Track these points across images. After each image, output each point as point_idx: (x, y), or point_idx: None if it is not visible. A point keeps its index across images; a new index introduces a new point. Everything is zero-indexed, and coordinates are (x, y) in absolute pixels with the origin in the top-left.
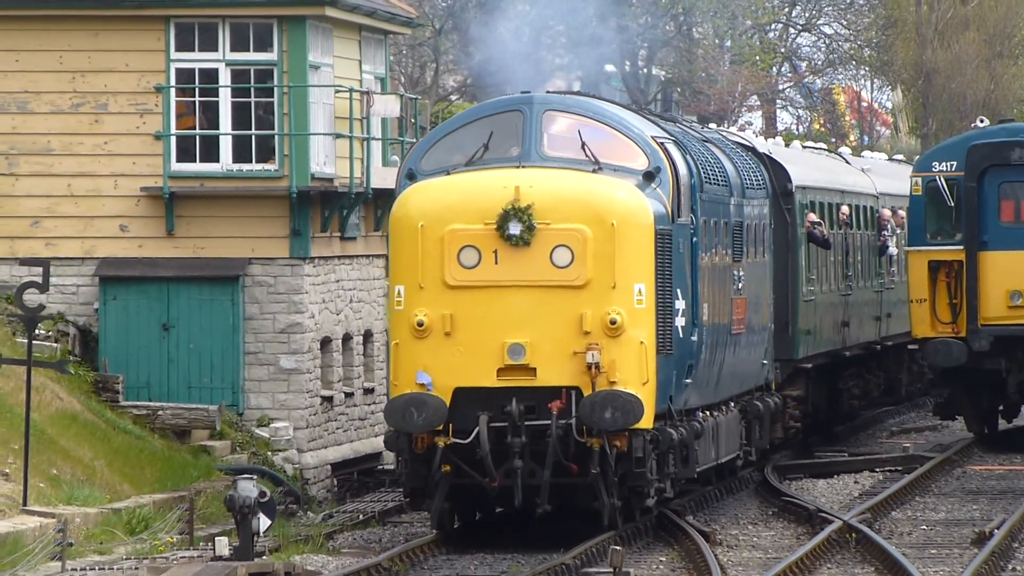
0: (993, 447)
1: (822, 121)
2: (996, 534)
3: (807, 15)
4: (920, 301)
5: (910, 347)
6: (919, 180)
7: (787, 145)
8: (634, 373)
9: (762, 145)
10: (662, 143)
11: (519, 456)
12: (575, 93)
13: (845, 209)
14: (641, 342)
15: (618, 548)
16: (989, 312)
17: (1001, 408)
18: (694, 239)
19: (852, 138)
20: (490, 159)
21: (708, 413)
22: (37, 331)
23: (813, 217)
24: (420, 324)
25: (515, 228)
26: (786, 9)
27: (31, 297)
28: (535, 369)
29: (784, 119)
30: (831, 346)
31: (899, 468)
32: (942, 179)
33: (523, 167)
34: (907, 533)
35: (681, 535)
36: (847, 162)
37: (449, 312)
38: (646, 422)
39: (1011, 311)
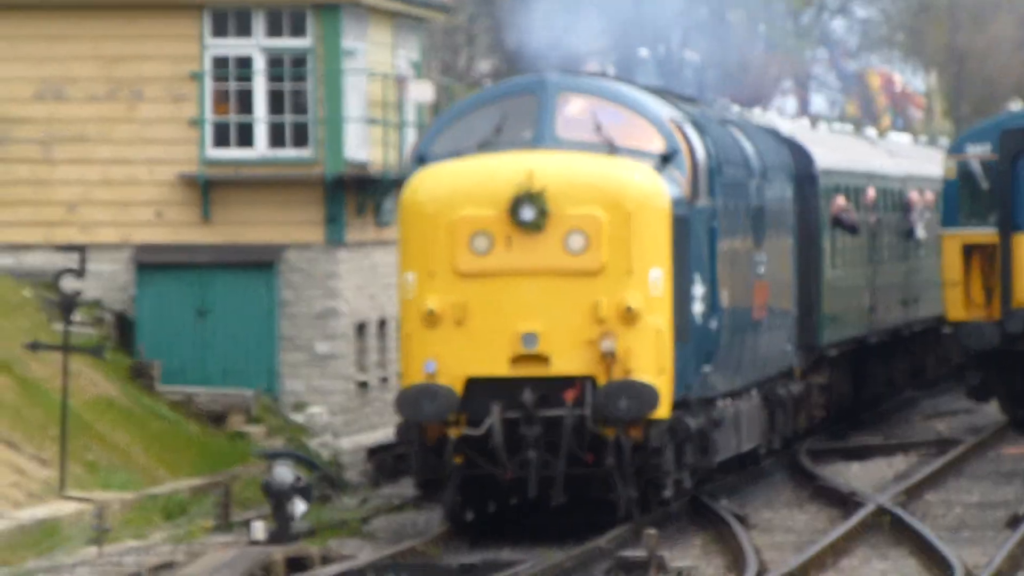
0: None
1: (856, 104)
2: None
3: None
4: (954, 284)
5: (944, 331)
6: (953, 163)
7: (812, 127)
8: (650, 361)
9: (786, 127)
10: (680, 125)
11: (533, 446)
12: (591, 73)
13: (871, 192)
14: (658, 330)
15: (652, 532)
16: (1023, 295)
17: None
18: (713, 223)
19: (886, 121)
20: (503, 142)
21: (729, 401)
22: (74, 317)
23: (842, 202)
24: (431, 313)
25: (528, 213)
26: None
27: (68, 283)
28: (549, 358)
29: (818, 103)
30: (856, 332)
31: (933, 451)
32: (976, 162)
33: (536, 150)
34: (941, 516)
35: (715, 519)
36: (873, 144)
37: (460, 300)
38: (663, 411)
39: None
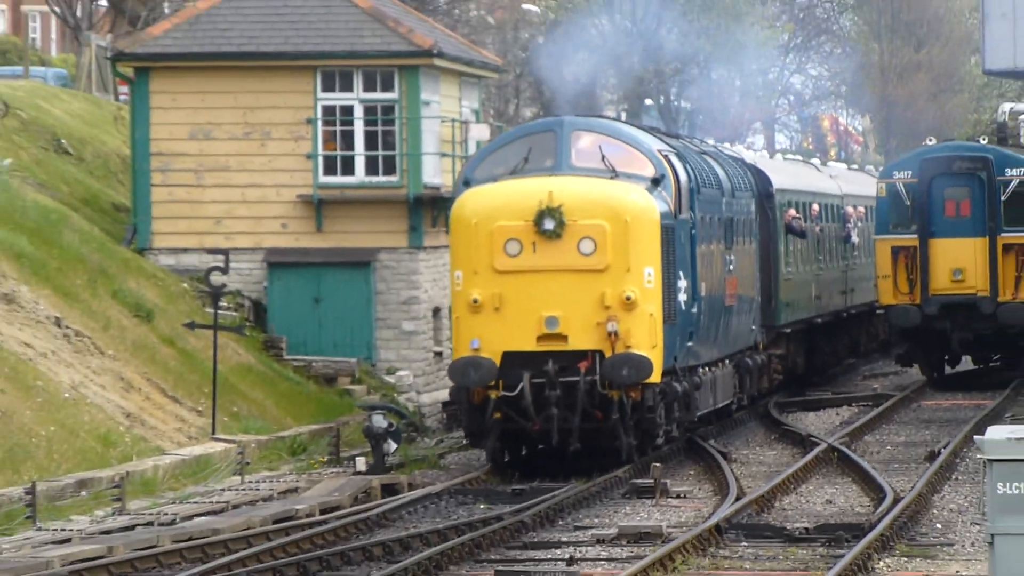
0: (940, 387)
1: (810, 141)
2: (943, 452)
3: (798, 62)
4: (885, 277)
5: (877, 311)
6: (883, 185)
7: (771, 157)
8: (645, 339)
9: (750, 157)
10: (666, 155)
11: (555, 405)
12: (598, 116)
13: (816, 207)
14: (651, 314)
15: (658, 464)
16: (937, 285)
17: (946, 358)
18: (693, 231)
19: (832, 154)
20: (529, 169)
21: (707, 369)
22: (221, 304)
23: (792, 212)
24: (475, 301)
25: (549, 224)
26: (782, 57)
27: (216, 278)
28: (567, 336)
29: (781, 139)
30: (806, 314)
31: (870, 403)
32: (900, 184)
33: (555, 175)
34: (876, 452)
35: (705, 455)
36: (818, 170)
37: (498, 291)
38: (655, 377)
39: (953, 284)
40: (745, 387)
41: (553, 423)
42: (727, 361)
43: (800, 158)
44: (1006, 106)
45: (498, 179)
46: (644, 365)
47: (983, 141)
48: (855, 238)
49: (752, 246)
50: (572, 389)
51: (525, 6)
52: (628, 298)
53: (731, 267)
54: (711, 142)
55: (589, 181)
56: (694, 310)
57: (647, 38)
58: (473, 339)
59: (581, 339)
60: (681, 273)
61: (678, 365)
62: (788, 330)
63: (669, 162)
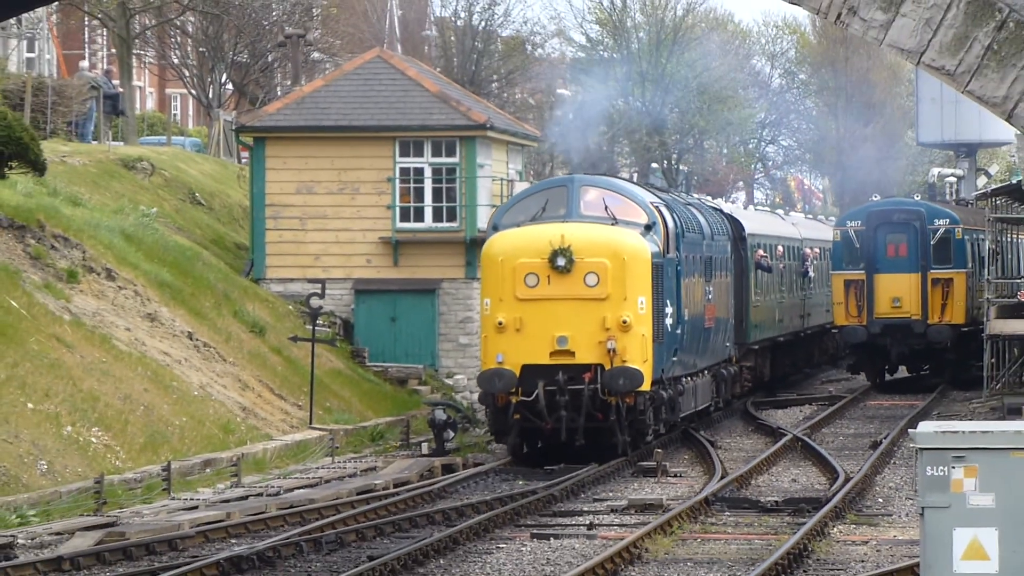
0: (882, 391)
1: (780, 197)
2: (884, 442)
3: (772, 134)
4: (839, 303)
5: (832, 331)
6: (838, 231)
7: (745, 208)
8: (638, 355)
9: (728, 208)
10: (657, 206)
11: (564, 408)
12: (602, 174)
13: (780, 248)
14: (643, 335)
15: (659, 450)
16: (880, 310)
17: (887, 367)
18: (678, 267)
19: (799, 207)
20: (546, 217)
21: (689, 378)
22: (318, 322)
23: (761, 252)
24: (500, 323)
25: (561, 261)
26: (759, 131)
27: (314, 301)
28: (574, 352)
29: (758, 195)
30: (771, 334)
31: (827, 403)
32: (852, 231)
33: (567, 222)
34: (831, 441)
35: (697, 443)
36: (782, 218)
37: (519, 315)
38: (646, 386)
39: (893, 309)
40: (721, 392)
41: (562, 423)
42: (706, 372)
43: (768, 209)
44: (935, 170)
45: (520, 225)
46: (637, 376)
47: (917, 197)
48: (811, 273)
49: (728, 279)
50: (578, 395)
51: (559, 91)
52: (624, 321)
53: (710, 296)
54: (697, 196)
55: (594, 227)
56: (678, 331)
57: (654, 116)
58: (498, 354)
59: (586, 354)
60: (668, 301)
61: (665, 376)
62: (756, 346)
63: (659, 211)
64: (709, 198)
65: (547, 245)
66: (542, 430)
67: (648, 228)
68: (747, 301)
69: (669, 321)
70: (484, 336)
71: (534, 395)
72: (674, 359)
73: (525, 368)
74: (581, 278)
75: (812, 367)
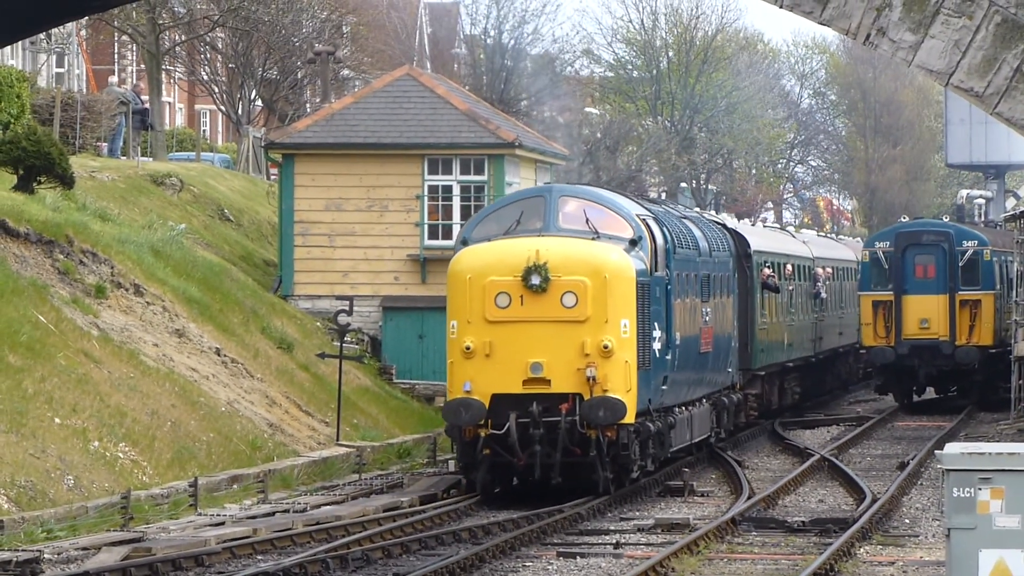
0: (910, 411)
1: (809, 217)
2: (911, 463)
3: (801, 154)
4: (867, 324)
5: (859, 351)
6: (867, 252)
7: (752, 224)
8: (621, 383)
9: (732, 223)
10: (644, 219)
11: (538, 443)
12: (584, 184)
13: (789, 267)
14: (626, 361)
15: (687, 469)
16: (908, 331)
17: (914, 388)
18: (668, 287)
19: (827, 228)
20: (521, 231)
21: (683, 408)
22: (346, 339)
23: (767, 271)
24: (468, 348)
25: (535, 279)
26: (788, 151)
27: (342, 318)
28: (550, 380)
29: (787, 215)
30: (779, 358)
31: (854, 423)
32: (880, 252)
33: (543, 236)
34: (858, 462)
35: (724, 463)
36: (792, 236)
37: (489, 339)
38: (629, 418)
39: (921, 330)
40: (722, 423)
41: (536, 459)
42: (704, 400)
43: (778, 226)
44: (963, 192)
45: (492, 239)
46: (619, 407)
47: (946, 219)
48: (824, 295)
49: (730, 299)
50: (554, 428)
51: (587, 109)
52: (605, 347)
53: (707, 318)
54: (697, 210)
55: (573, 241)
56: (668, 357)
57: (682, 135)
58: (465, 382)
59: (563, 383)
60: (656, 324)
61: (652, 406)
62: (763, 372)
63: (647, 225)
64: (714, 213)
65: (520, 261)
66: (514, 466)
67: (634, 243)
68: (752, 324)
69: (657, 346)
70: (450, 362)
71: (505, 428)
72: (663, 388)
73: (495, 398)
74: (558, 298)
75: (824, 394)
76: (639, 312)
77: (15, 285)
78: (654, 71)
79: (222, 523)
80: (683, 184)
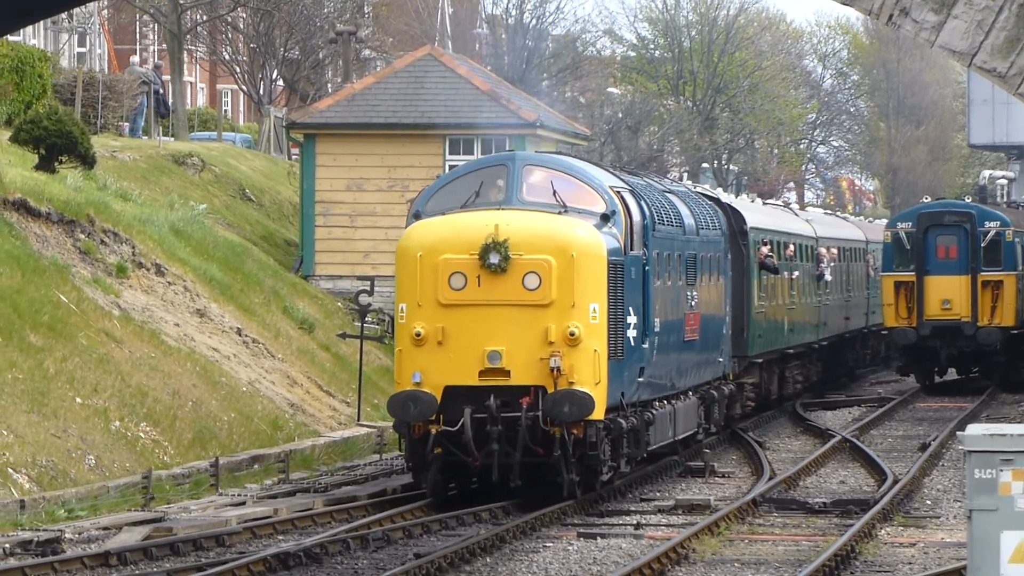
0: (931, 393)
1: (832, 197)
2: (932, 444)
3: (823, 135)
4: (889, 305)
5: (882, 332)
6: (889, 233)
7: (752, 202)
8: (588, 375)
9: (726, 198)
10: (619, 191)
11: (496, 441)
12: (551, 152)
13: (791, 247)
14: (595, 350)
15: (707, 450)
16: (930, 312)
17: (936, 369)
18: (646, 267)
19: (849, 209)
20: (480, 203)
21: (664, 403)
22: (366, 319)
23: (765, 250)
24: (418, 335)
25: (494, 258)
26: (811, 132)
27: (363, 299)
28: (509, 371)
29: (809, 196)
30: (778, 345)
31: (876, 404)
32: (903, 233)
33: (504, 209)
34: (880, 443)
35: (745, 443)
36: (795, 214)
37: (441, 325)
38: (598, 414)
39: (943, 311)
40: (712, 416)
41: (494, 459)
42: (690, 393)
43: (780, 203)
44: (986, 172)
45: (448, 212)
46: (586, 402)
47: (968, 200)
48: (828, 276)
49: (722, 281)
50: (514, 425)
51: (609, 89)
52: (572, 334)
53: (693, 302)
54: (685, 182)
55: (537, 216)
56: (645, 345)
57: (704, 115)
58: (415, 372)
59: (524, 374)
60: (631, 309)
61: (626, 400)
62: (760, 360)
63: (622, 198)
64: (708, 187)
65: (478, 238)
66: (469, 467)
67: (606, 218)
68: (748, 308)
69: (632, 333)
70: (398, 350)
71: (459, 424)
72: (639, 380)
73: (448, 390)
74: (519, 279)
75: (829, 382)
76: (611, 295)
77: (36, 265)
78: (676, 50)
79: (243, 503)
80: (705, 164)
